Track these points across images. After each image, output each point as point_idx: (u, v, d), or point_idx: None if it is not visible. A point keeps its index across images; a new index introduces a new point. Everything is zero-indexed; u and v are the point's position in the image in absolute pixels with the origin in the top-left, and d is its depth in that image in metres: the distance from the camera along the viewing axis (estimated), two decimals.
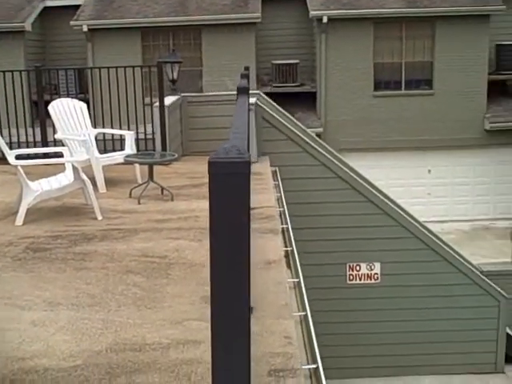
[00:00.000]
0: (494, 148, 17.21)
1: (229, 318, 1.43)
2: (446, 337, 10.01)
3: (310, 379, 3.90)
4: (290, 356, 3.40)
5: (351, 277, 9.78)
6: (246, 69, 7.67)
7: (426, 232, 10.09)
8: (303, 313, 4.43)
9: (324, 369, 10.52)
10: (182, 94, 9.45)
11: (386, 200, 9.93)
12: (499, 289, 10.12)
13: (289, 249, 5.65)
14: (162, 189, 6.60)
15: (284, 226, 6.26)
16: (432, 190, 17.51)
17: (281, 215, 6.62)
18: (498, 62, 17.32)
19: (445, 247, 10.12)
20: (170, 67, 9.43)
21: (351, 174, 9.83)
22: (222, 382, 1.44)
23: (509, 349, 10.21)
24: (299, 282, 4.90)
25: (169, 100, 8.76)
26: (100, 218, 5.66)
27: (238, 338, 1.45)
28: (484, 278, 10.18)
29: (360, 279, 9.78)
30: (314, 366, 3.85)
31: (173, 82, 9.45)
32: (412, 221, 10.00)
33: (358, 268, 9.77)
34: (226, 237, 1.33)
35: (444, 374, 9.99)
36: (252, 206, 6.22)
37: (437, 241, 10.09)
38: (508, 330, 10.38)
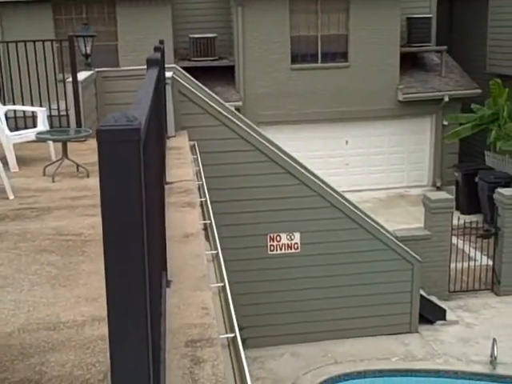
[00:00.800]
0: (407, 118, 17.81)
1: (124, 295, 1.40)
2: (364, 301, 10.40)
3: (228, 348, 3.99)
4: (207, 326, 3.45)
5: (272, 247, 9.97)
6: (161, 42, 7.57)
7: (344, 201, 10.39)
8: (221, 284, 4.49)
9: (247, 338, 10.78)
10: (97, 69, 9.23)
11: (304, 171, 10.13)
12: (413, 253, 10.58)
13: (207, 222, 5.69)
14: (78, 166, 6.47)
15: (202, 199, 6.29)
16: (349, 160, 17.95)
17: (199, 189, 6.65)
18: (410, 35, 17.84)
19: (362, 215, 10.45)
20: (83, 41, 9.18)
21: (270, 146, 9.95)
22: (120, 360, 1.43)
23: (422, 309, 10.72)
24: (217, 254, 4.96)
25: (82, 75, 8.54)
26: (12, 197, 5.51)
27: (135, 315, 1.43)
28: (399, 243, 10.61)
29: (281, 249, 9.98)
30: (232, 335, 3.93)
31: (86, 56, 9.20)
32: (330, 191, 10.26)
33: (278, 238, 9.96)
34: (118, 208, 1.32)
35: (362, 336, 10.39)
36: (170, 180, 6.23)
37: (354, 209, 10.40)
38: (421, 292, 10.89)
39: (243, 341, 10.13)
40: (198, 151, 8.62)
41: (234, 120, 9.80)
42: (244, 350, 10.18)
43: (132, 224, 1.34)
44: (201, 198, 6.33)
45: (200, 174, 7.39)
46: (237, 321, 4.13)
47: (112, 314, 1.40)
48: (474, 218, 13.99)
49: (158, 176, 3.96)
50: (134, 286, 1.40)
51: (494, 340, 9.70)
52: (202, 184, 6.89)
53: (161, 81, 5.24)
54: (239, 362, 3.92)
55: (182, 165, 7.00)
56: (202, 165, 7.95)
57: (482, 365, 9.62)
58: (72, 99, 8.12)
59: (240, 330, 10.41)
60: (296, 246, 10.06)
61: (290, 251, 10.02)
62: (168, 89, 8.63)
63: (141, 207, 1.34)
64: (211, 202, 6.31)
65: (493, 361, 9.51)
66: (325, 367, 9.61)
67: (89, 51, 9.19)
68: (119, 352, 1.42)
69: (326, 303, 10.30)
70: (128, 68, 10.46)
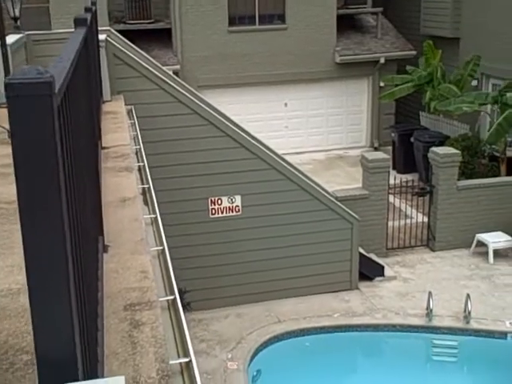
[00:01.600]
0: (345, 80, 17.98)
1: (43, 258, 1.36)
2: (305, 261, 10.60)
3: (168, 310, 4.00)
4: (146, 290, 3.45)
5: (213, 211, 9.99)
6: (93, 3, 7.34)
7: (284, 163, 10.47)
8: (160, 247, 4.48)
9: (192, 301, 10.80)
10: (27, 33, 8.90)
11: (244, 134, 10.13)
12: (352, 212, 10.80)
13: (145, 186, 5.64)
14: (9, 132, 6.27)
15: (140, 164, 6.23)
16: (289, 123, 18.05)
17: (137, 153, 6.57)
18: None
19: (302, 177, 10.57)
20: (11, 3, 8.81)
21: (208, 109, 9.88)
22: (42, 329, 1.38)
23: (361, 267, 11.01)
24: (156, 218, 4.93)
25: (11, 39, 8.22)
26: None
27: (56, 282, 1.38)
28: (338, 203, 10.80)
29: (222, 212, 10.02)
30: (171, 297, 3.94)
31: (15, 19, 8.85)
32: (270, 153, 10.31)
33: (219, 202, 9.98)
34: (32, 169, 1.26)
35: (305, 295, 10.62)
36: (106, 144, 6.12)
37: (294, 171, 10.50)
38: (360, 250, 11.17)
39: (187, 304, 10.22)
40: (135, 116, 8.47)
41: (172, 83, 9.66)
42: (188, 313, 10.36)
43: (48, 186, 1.30)
44: (138, 162, 6.26)
45: (137, 138, 7.29)
46: (177, 284, 4.13)
47: (31, 276, 1.35)
48: (409, 177, 14.36)
49: (90, 139, 3.89)
50: (54, 247, 1.36)
51: (430, 293, 10.08)
52: (140, 149, 6.80)
53: (90, 42, 5.08)
54: (180, 324, 3.95)
55: (118, 129, 6.88)
56: (140, 129, 7.84)
57: (419, 317, 10.01)
58: (1, 64, 7.82)
59: (184, 293, 10.49)
60: (237, 208, 10.11)
61: (231, 214, 10.07)
62: (102, 52, 8.42)
63: (56, 165, 1.30)
64: (150, 167, 6.25)
65: (429, 313, 9.90)
66: (268, 326, 9.80)
67: (17, 13, 8.83)
68: (40, 313, 1.38)
69: (269, 264, 10.45)
70: (60, 31, 10.14)
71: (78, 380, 1.48)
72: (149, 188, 5.63)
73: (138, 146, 6.85)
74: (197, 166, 9.78)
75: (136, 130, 7.67)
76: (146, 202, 5.37)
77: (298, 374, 9.11)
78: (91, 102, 4.44)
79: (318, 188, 10.75)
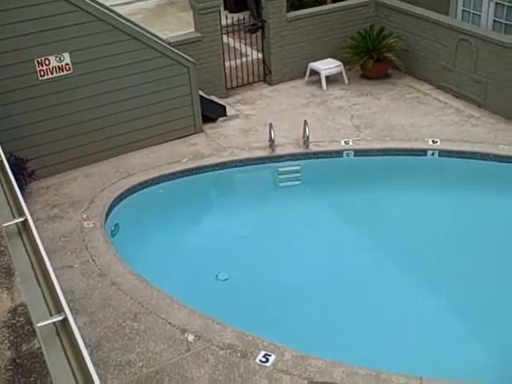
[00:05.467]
0: None
1: None
2: (147, 111, 10.54)
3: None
4: None
5: (42, 72, 9.45)
6: None
7: (112, 14, 9.96)
8: None
9: (36, 169, 10.41)
10: None
11: None
12: (187, 56, 10.71)
13: None
14: None
15: None
16: None
17: None
18: None
19: (132, 26, 10.17)
20: None
21: None
22: None
23: (204, 110, 11.16)
24: None
25: None
26: None
27: None
28: (172, 48, 10.62)
29: (52, 73, 9.52)
30: None
31: None
32: (95, 4, 9.72)
33: (47, 62, 9.43)
34: None
35: (152, 145, 10.69)
36: None
37: (123, 21, 10.05)
38: (201, 93, 11.26)
39: (31, 172, 9.95)
40: None
41: None
42: (35, 181, 10.12)
43: None
44: None
45: None
46: (18, 154, 4.01)
47: None
48: (241, 15, 14.29)
49: None
50: None
51: (271, 125, 10.55)
52: None
53: None
54: (10, 187, 3.90)
55: None
56: None
57: (263, 149, 10.52)
58: None
59: (26, 162, 10.15)
60: (68, 67, 9.64)
61: (62, 74, 9.60)
62: None
63: None
64: None
65: (271, 144, 10.42)
66: (119, 181, 9.86)
67: None
68: None
69: (111, 120, 10.26)
70: None
71: None
72: None
73: None
74: (17, 26, 9.05)
75: None
76: None
77: (156, 221, 9.40)
78: None
79: (150, 36, 10.44)
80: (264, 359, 6.43)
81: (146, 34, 10.39)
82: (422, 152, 10.27)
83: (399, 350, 7.01)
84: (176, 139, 10.92)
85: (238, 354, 6.48)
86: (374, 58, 12.62)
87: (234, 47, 13.05)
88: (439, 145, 10.33)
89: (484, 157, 10.02)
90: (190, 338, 6.72)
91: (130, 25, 10.17)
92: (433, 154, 10.24)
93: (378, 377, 6.22)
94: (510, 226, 8.95)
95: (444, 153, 10.22)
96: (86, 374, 2.59)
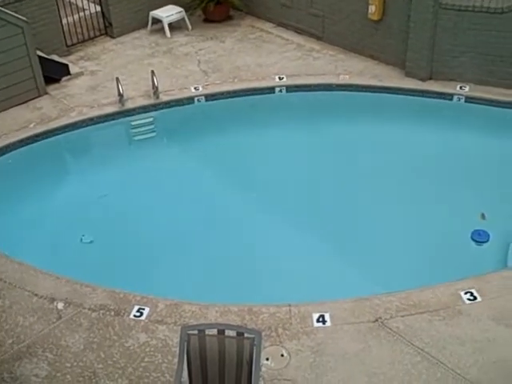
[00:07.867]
0: None
1: None
2: None
3: None
4: None
5: None
6: None
7: None
8: None
9: None
10: None
11: None
12: (17, 15, 10.09)
13: None
14: None
15: None
16: None
17: None
18: None
19: None
20: None
21: None
22: None
23: (45, 71, 10.64)
24: None
25: None
26: None
27: None
28: (1, 8, 9.95)
29: None
30: None
31: None
32: None
33: None
34: None
35: None
36: None
37: None
38: (40, 54, 10.70)
39: None
40: None
41: None
42: None
43: None
44: None
45: None
46: None
47: None
48: None
49: None
50: None
51: (117, 79, 10.30)
52: None
53: None
54: None
55: None
56: None
57: (113, 105, 10.28)
58: None
59: None
60: None
61: None
62: None
63: None
64: None
65: (121, 98, 10.20)
66: None
67: None
68: None
69: None
70: None
71: None
72: None
73: None
74: None
75: None
76: None
77: (10, 193, 8.98)
78: None
79: None
80: (138, 313, 6.49)
81: None
82: (270, 90, 10.53)
83: (271, 284, 7.29)
84: (19, 104, 10.39)
85: (112, 313, 6.48)
86: (214, 1, 12.58)
87: (70, 2, 12.44)
88: (286, 81, 10.62)
89: (327, 87, 10.47)
90: (60, 305, 6.62)
91: None
92: (281, 91, 10.53)
93: (250, 310, 6.49)
94: (356, 149, 9.45)
95: (291, 88, 10.55)
96: None
